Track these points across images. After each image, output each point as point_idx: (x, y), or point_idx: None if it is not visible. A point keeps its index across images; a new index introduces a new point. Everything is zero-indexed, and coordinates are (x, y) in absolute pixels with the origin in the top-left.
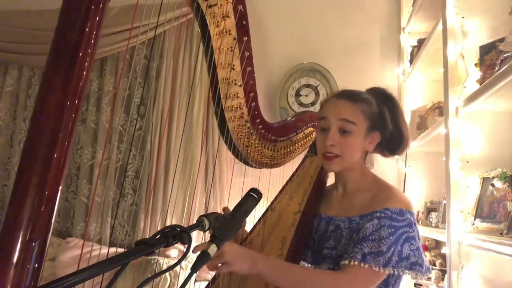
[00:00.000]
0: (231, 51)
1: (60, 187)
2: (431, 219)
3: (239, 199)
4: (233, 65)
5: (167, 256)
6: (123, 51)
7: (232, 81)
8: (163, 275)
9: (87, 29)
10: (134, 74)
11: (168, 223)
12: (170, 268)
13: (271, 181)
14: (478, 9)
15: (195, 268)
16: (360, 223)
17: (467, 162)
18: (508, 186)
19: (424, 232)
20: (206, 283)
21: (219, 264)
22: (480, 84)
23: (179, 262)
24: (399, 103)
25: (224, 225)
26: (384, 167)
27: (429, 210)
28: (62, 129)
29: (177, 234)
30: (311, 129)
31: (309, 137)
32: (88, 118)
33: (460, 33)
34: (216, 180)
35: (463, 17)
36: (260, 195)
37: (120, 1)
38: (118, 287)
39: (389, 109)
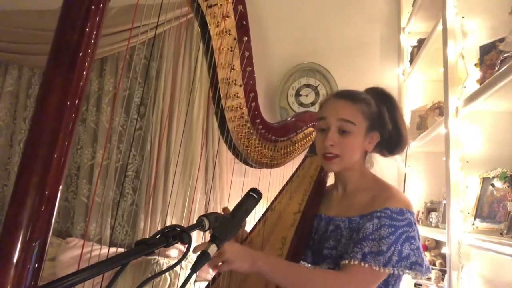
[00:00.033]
0: (231, 51)
1: (60, 187)
2: (431, 219)
3: (239, 199)
4: (233, 65)
5: (167, 256)
6: (123, 51)
7: (232, 81)
8: (163, 275)
9: (87, 29)
10: (134, 74)
11: (168, 223)
12: (170, 268)
13: (271, 181)
14: (478, 9)
15: (195, 268)
16: (360, 223)
17: (467, 162)
18: (508, 186)
19: (424, 232)
20: (206, 283)
21: (220, 263)
22: (480, 84)
23: (179, 262)
24: (399, 103)
25: (224, 225)
26: (384, 167)
27: (429, 210)
28: (62, 129)
29: (177, 234)
30: (311, 129)
31: (309, 137)
32: (88, 118)
33: (460, 33)
34: (216, 180)
35: (463, 17)
36: (260, 195)
37: (120, 1)
38: (118, 287)
39: (388, 109)
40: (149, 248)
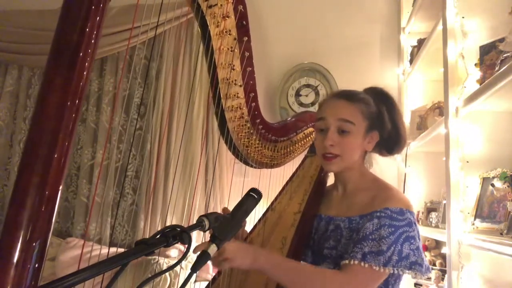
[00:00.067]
0: (231, 51)
1: (61, 187)
2: (431, 219)
3: (239, 199)
4: (233, 65)
5: (167, 256)
6: (123, 51)
7: (232, 81)
8: (163, 275)
9: (87, 29)
10: (134, 74)
11: (168, 223)
12: (170, 268)
13: (271, 181)
14: (478, 9)
15: (195, 268)
16: (360, 223)
17: (467, 162)
18: (508, 186)
19: (424, 232)
20: (206, 283)
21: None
22: (480, 84)
23: (179, 262)
24: (398, 103)
25: (224, 225)
26: (384, 167)
27: (429, 210)
28: (63, 129)
29: (177, 234)
30: (311, 129)
31: (309, 137)
32: (88, 118)
33: (460, 33)
34: (216, 180)
35: (463, 17)
36: (260, 195)
37: (120, 1)
38: (118, 287)
39: (387, 108)
40: (149, 248)
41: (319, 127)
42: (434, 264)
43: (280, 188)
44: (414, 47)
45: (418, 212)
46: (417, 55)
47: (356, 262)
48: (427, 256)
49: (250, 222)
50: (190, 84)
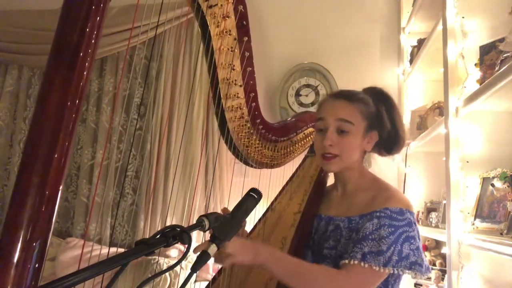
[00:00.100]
0: (231, 51)
1: (61, 187)
2: (431, 219)
3: (239, 199)
4: (234, 65)
5: (167, 256)
6: (123, 51)
7: (232, 81)
8: (163, 275)
9: (87, 29)
10: (134, 74)
11: (168, 223)
12: (170, 268)
13: (271, 181)
14: (478, 9)
15: (195, 268)
16: (359, 223)
17: (467, 162)
18: (508, 186)
19: (424, 232)
20: (206, 283)
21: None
22: (480, 84)
23: (179, 262)
24: (398, 103)
25: (224, 225)
26: (384, 167)
27: (429, 210)
28: (63, 129)
29: (177, 234)
30: (311, 129)
31: (309, 138)
32: (88, 118)
33: (460, 33)
34: (216, 180)
35: (463, 17)
36: (260, 195)
37: (120, 1)
38: (118, 287)
39: (386, 108)
40: (149, 248)
41: (318, 127)
42: (434, 264)
43: (280, 188)
44: (414, 47)
45: (418, 212)
46: (417, 55)
47: (356, 262)
48: (427, 256)
49: (250, 222)
50: (190, 84)
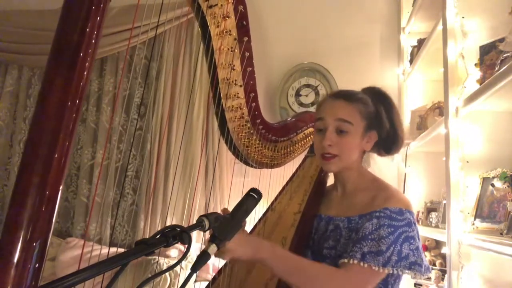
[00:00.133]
0: (231, 51)
1: (61, 187)
2: (431, 219)
3: (239, 199)
4: (234, 66)
5: (167, 256)
6: (123, 51)
7: (232, 82)
8: (163, 275)
9: (88, 29)
10: (134, 74)
11: (168, 223)
12: (170, 268)
13: (271, 181)
14: (478, 9)
15: (195, 268)
16: (359, 223)
17: (467, 162)
18: (508, 186)
19: (424, 232)
20: (206, 283)
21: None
22: (480, 84)
23: (179, 262)
24: (398, 103)
25: (224, 225)
26: (384, 167)
27: (429, 210)
28: (63, 129)
29: (177, 234)
30: (311, 129)
31: (309, 138)
32: (88, 118)
33: (460, 33)
34: (216, 180)
35: (463, 17)
36: (260, 195)
37: (120, 1)
38: (118, 287)
39: (385, 108)
40: (149, 248)
41: (317, 127)
42: (434, 264)
43: (280, 188)
44: (414, 47)
45: (418, 212)
46: (417, 55)
47: (355, 261)
48: (427, 256)
49: (250, 222)
50: (190, 84)
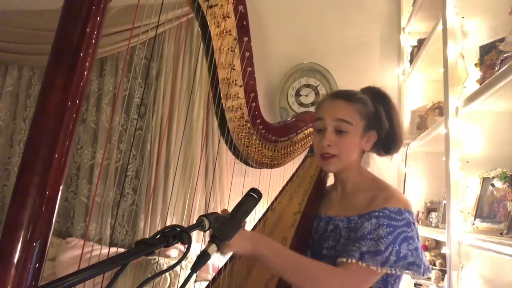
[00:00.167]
0: (231, 51)
1: (61, 187)
2: (431, 219)
3: (239, 200)
4: (234, 66)
5: (167, 256)
6: (123, 51)
7: (232, 82)
8: (163, 275)
9: (88, 29)
10: (134, 74)
11: (168, 223)
12: (170, 268)
13: (271, 181)
14: (478, 9)
15: (195, 268)
16: (358, 223)
17: (467, 162)
18: (508, 186)
19: (424, 232)
20: (206, 283)
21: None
22: (480, 84)
23: (179, 262)
24: (398, 103)
25: (224, 225)
26: (384, 167)
27: (429, 210)
28: (63, 129)
29: (177, 234)
30: (311, 129)
31: (309, 138)
32: (88, 118)
33: (460, 33)
34: (216, 180)
35: (463, 17)
36: (260, 195)
37: (120, 1)
38: (118, 287)
39: (384, 108)
40: (149, 248)
41: (317, 127)
42: (434, 264)
43: (280, 188)
44: (414, 47)
45: (418, 212)
46: (417, 55)
47: (354, 261)
48: (427, 256)
49: (250, 222)
50: (190, 84)
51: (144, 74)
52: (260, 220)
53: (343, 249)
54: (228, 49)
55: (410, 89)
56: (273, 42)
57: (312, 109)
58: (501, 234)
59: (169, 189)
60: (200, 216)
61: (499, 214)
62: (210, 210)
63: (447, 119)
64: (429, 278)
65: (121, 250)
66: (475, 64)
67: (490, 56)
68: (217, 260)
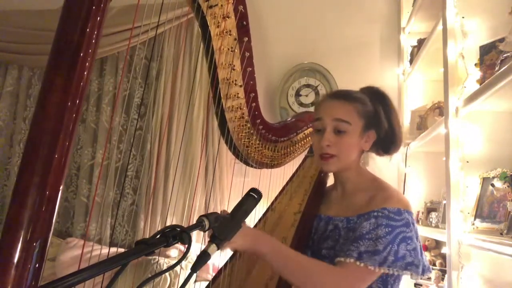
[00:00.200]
0: (231, 51)
1: (61, 187)
2: (431, 219)
3: (239, 200)
4: (234, 66)
5: (167, 256)
6: (123, 51)
7: (232, 82)
8: (163, 275)
9: (88, 29)
10: (134, 74)
11: (168, 223)
12: (170, 268)
13: (271, 181)
14: (478, 9)
15: (195, 268)
16: (357, 223)
17: (467, 162)
18: (508, 186)
19: (424, 232)
20: (206, 283)
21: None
22: (480, 84)
23: (179, 262)
24: (398, 103)
25: (224, 225)
26: (384, 167)
27: (429, 210)
28: (63, 129)
29: (177, 234)
30: (311, 129)
31: (309, 138)
32: (88, 118)
33: (460, 33)
34: (216, 180)
35: (463, 17)
36: (260, 195)
37: (120, 1)
38: (118, 287)
39: (383, 107)
40: (149, 248)
41: (316, 127)
42: (434, 264)
43: (280, 188)
44: (414, 47)
45: (418, 212)
46: (417, 55)
47: (352, 260)
48: (427, 256)
49: (250, 222)
50: (190, 84)
51: (144, 74)
52: (260, 220)
53: (342, 249)
54: (228, 49)
55: (410, 89)
56: (273, 42)
57: (312, 109)
58: (501, 234)
59: (169, 189)
60: (200, 216)
61: (499, 214)
62: (210, 210)
63: (447, 119)
64: (429, 278)
65: (121, 250)
66: (475, 64)
67: (490, 56)
68: (217, 260)
